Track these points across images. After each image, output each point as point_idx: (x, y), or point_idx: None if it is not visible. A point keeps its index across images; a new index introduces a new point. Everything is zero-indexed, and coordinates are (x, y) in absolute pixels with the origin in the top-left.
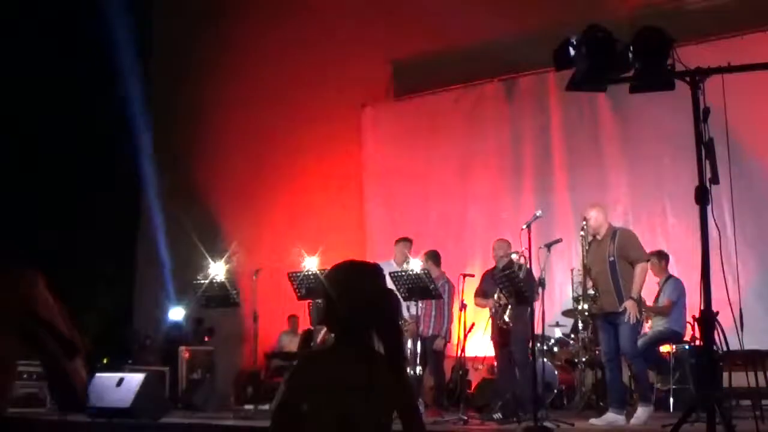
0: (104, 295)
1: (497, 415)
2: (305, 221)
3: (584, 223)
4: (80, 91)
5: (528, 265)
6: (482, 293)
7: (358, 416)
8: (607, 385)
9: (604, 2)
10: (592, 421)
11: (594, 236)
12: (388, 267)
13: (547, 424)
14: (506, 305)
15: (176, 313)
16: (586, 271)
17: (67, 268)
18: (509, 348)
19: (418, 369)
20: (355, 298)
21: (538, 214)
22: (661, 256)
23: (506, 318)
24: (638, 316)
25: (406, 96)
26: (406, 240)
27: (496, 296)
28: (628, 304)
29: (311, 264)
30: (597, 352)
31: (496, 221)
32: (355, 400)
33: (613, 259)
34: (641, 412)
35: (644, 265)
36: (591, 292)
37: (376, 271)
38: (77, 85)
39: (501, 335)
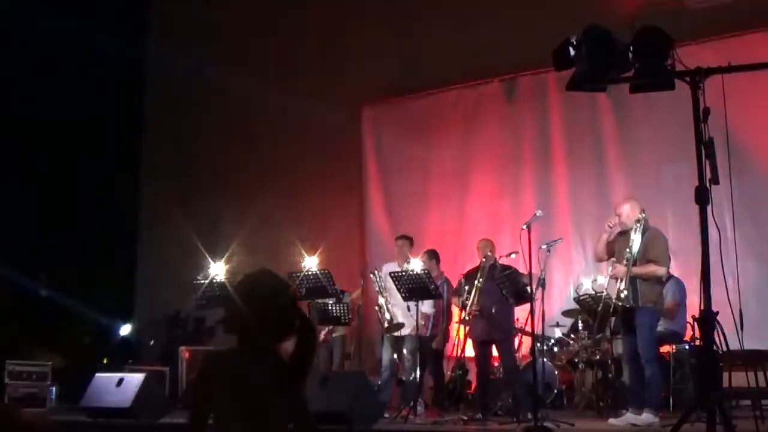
0: (104, 295)
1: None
2: (305, 221)
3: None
4: (80, 91)
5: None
6: (456, 293)
7: (262, 414)
8: (626, 386)
9: (604, 2)
10: (612, 421)
11: (622, 230)
12: (392, 268)
13: (547, 424)
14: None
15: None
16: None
17: (68, 268)
18: (491, 347)
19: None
20: (258, 308)
21: (538, 214)
22: None
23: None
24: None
25: (406, 96)
26: (404, 237)
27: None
28: (618, 267)
29: (311, 264)
30: (598, 352)
31: (496, 221)
32: (258, 399)
33: (635, 256)
34: (646, 417)
35: (659, 269)
36: (622, 286)
37: (282, 284)
38: (76, 85)
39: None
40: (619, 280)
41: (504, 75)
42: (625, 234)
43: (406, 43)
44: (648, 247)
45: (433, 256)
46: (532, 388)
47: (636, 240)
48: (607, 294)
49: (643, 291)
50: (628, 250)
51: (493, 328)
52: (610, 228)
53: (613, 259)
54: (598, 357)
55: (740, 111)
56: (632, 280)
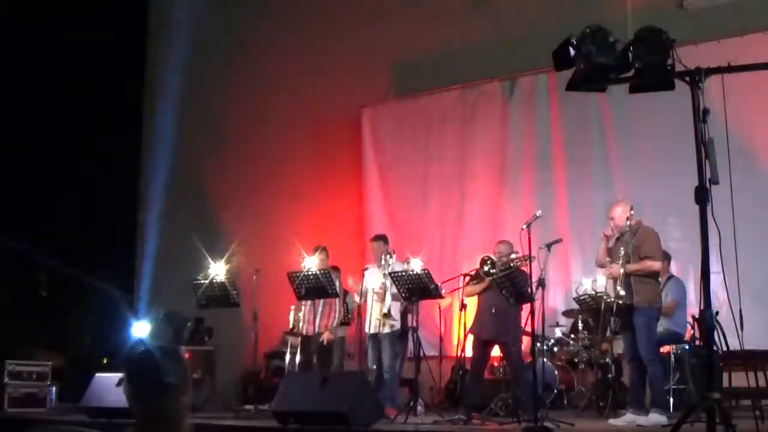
0: (104, 295)
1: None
2: (305, 221)
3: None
4: (80, 90)
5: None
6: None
7: None
8: (628, 386)
9: (604, 2)
10: (612, 421)
11: (621, 234)
12: (372, 271)
13: (547, 424)
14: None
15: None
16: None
17: (68, 267)
18: (492, 347)
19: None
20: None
21: (537, 214)
22: (664, 257)
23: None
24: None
25: (406, 96)
26: (377, 238)
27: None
28: (613, 266)
29: (311, 264)
30: (598, 352)
31: (495, 221)
32: None
33: (629, 254)
34: (653, 417)
35: (653, 263)
36: (619, 285)
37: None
38: (76, 84)
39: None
40: (615, 280)
41: (504, 75)
42: (620, 239)
43: (405, 43)
44: (640, 244)
45: (324, 250)
46: (532, 388)
47: (628, 239)
48: (606, 293)
49: (637, 289)
50: (622, 248)
51: (502, 329)
52: (608, 237)
53: (609, 259)
54: (598, 357)
55: (740, 111)
56: (627, 279)
